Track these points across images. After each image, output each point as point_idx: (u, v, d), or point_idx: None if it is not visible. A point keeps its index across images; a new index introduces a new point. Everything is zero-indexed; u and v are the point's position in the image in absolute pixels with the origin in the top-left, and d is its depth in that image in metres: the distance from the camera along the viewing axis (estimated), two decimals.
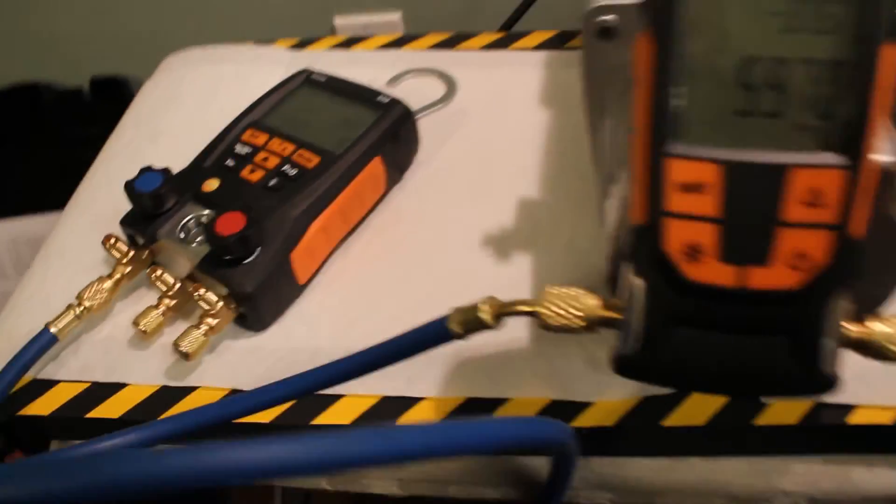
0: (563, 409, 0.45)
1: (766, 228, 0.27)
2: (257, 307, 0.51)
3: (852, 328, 0.30)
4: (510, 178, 0.61)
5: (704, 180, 0.27)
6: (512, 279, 0.54)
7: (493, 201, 0.59)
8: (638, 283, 0.29)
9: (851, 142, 0.26)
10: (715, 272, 0.28)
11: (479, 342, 0.46)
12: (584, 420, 0.45)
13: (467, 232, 0.57)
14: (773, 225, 0.27)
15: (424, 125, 0.67)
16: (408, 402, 0.48)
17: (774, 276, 0.27)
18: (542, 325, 0.32)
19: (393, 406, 0.48)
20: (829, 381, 0.29)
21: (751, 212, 0.27)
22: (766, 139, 0.27)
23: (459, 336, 0.35)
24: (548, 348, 0.48)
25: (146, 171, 0.55)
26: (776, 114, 0.27)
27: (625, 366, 0.30)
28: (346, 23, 1.12)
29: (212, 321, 0.50)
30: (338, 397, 0.48)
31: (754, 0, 0.26)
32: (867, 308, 0.40)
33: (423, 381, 0.49)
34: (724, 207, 0.27)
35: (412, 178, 0.63)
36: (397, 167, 0.61)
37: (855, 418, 0.41)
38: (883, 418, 0.41)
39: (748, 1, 0.27)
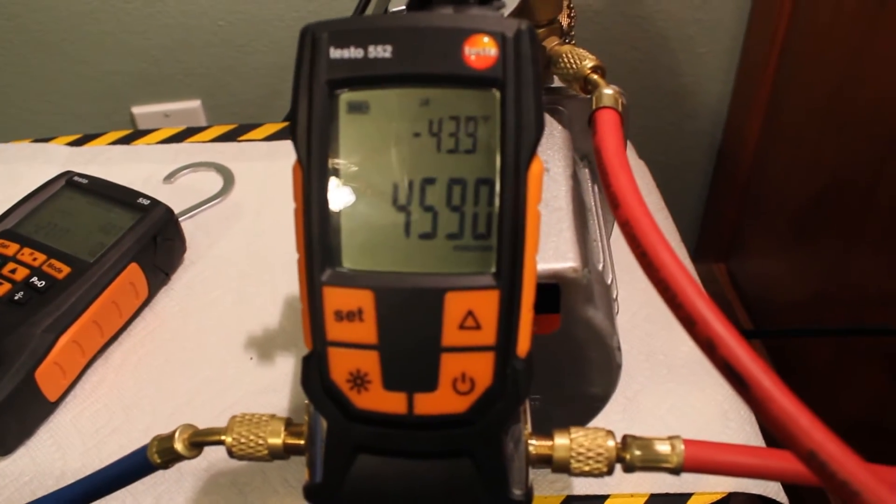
0: None
1: (427, 354, 0.27)
2: None
3: (537, 444, 0.30)
4: (279, 275, 0.61)
5: (361, 308, 0.27)
6: (273, 382, 0.53)
7: (260, 301, 0.59)
8: (315, 411, 0.29)
9: (505, 261, 0.27)
10: (382, 400, 0.27)
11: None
12: None
13: (231, 335, 0.56)
14: (433, 350, 0.27)
15: (198, 222, 0.66)
16: None
17: (441, 402, 0.27)
18: (230, 455, 0.32)
19: None
20: (518, 502, 0.29)
21: (409, 338, 0.27)
22: (423, 262, 0.27)
23: (161, 466, 0.33)
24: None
25: None
26: (430, 236, 0.28)
27: (312, 495, 0.29)
28: (144, 112, 1.10)
29: None
30: None
31: (398, 122, 0.27)
32: (588, 409, 0.41)
33: (174, 498, 0.47)
34: (382, 335, 0.27)
35: (180, 279, 0.61)
36: (160, 270, 0.59)
37: None
38: None
39: (392, 124, 0.27)
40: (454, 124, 0.27)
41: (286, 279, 0.60)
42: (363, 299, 0.27)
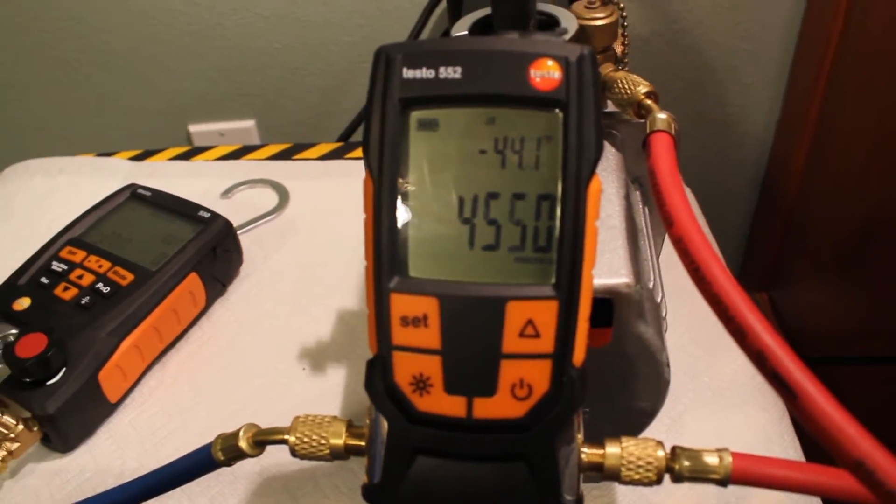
0: None
1: (487, 360, 0.28)
2: (60, 429, 0.50)
3: (589, 452, 0.32)
4: (332, 289, 0.62)
5: (426, 314, 0.29)
6: (325, 392, 0.55)
7: (313, 314, 0.60)
8: (376, 413, 0.30)
9: (564, 273, 0.28)
10: (443, 403, 0.29)
11: (286, 460, 0.46)
12: None
13: (284, 345, 0.58)
14: (494, 357, 0.28)
15: (254, 236, 0.68)
16: None
17: (499, 406, 0.29)
18: (293, 453, 0.33)
19: None
20: None
21: (471, 344, 0.28)
22: (486, 273, 0.29)
23: (224, 463, 0.35)
24: (351, 463, 0.49)
25: None
26: (493, 247, 0.29)
27: (370, 495, 0.31)
28: (200, 130, 1.13)
29: (11, 445, 0.49)
30: None
31: (465, 140, 0.29)
32: (635, 425, 0.42)
33: (227, 500, 0.49)
34: (445, 340, 0.29)
35: (236, 290, 0.63)
36: (218, 281, 0.61)
37: None
38: None
39: (459, 141, 0.29)
40: (518, 142, 0.29)
41: (338, 293, 0.62)
42: (428, 306, 0.29)
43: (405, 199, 0.29)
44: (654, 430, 0.42)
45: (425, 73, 0.29)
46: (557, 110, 0.28)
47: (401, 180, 0.29)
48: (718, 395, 0.54)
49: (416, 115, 0.29)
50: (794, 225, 1.16)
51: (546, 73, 0.28)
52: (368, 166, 0.29)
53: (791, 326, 1.20)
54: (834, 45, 0.99)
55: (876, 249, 0.95)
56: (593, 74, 0.28)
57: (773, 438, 0.52)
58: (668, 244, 0.40)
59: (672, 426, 0.52)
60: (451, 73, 0.28)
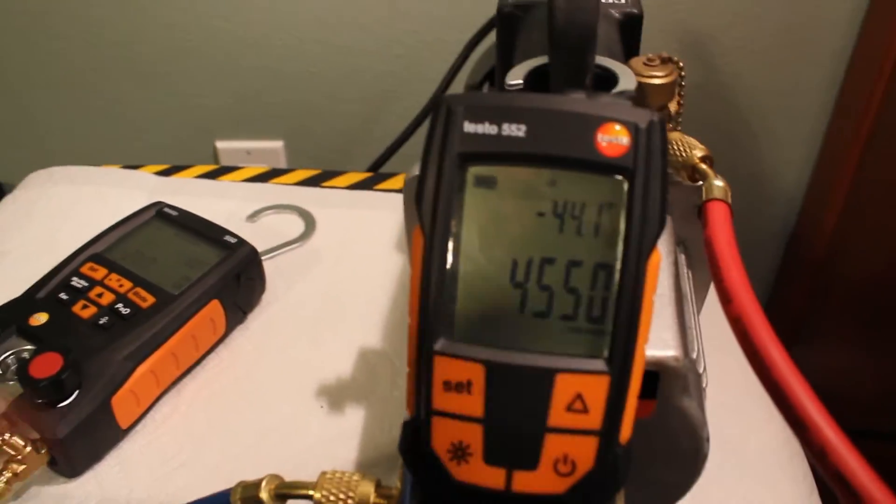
0: None
1: (531, 432, 0.27)
2: (69, 454, 0.49)
3: None
4: (354, 325, 0.61)
5: (471, 380, 0.27)
6: (342, 432, 0.53)
7: (334, 348, 0.59)
8: (408, 476, 0.29)
9: (618, 347, 0.27)
10: (481, 473, 0.27)
11: None
12: None
13: (303, 380, 0.57)
14: (538, 429, 0.27)
15: (277, 263, 0.67)
16: None
17: (540, 481, 0.27)
18: None
19: None
20: None
21: (515, 415, 0.27)
22: (535, 340, 0.27)
23: None
24: None
25: None
26: (544, 314, 0.28)
27: None
28: (227, 147, 1.13)
29: (17, 467, 0.48)
30: None
31: (523, 200, 0.27)
32: (666, 496, 0.40)
33: None
34: (488, 409, 0.27)
35: (256, 318, 0.62)
36: (239, 308, 0.60)
37: None
38: None
39: (517, 201, 0.28)
40: (579, 208, 0.28)
41: (360, 329, 0.60)
42: (474, 372, 0.27)
43: (456, 256, 0.28)
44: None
45: (487, 128, 0.27)
46: (623, 178, 0.27)
47: (453, 237, 0.28)
48: (746, 465, 0.52)
49: (474, 171, 0.28)
50: (821, 284, 1.15)
51: (614, 139, 0.27)
52: (421, 220, 0.28)
53: (813, 387, 1.17)
54: (875, 108, 0.98)
55: None
56: (662, 143, 0.27)
57: None
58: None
59: (697, 493, 0.50)
60: (515, 130, 0.27)
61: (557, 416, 0.27)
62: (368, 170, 0.82)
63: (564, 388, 0.27)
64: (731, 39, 1.03)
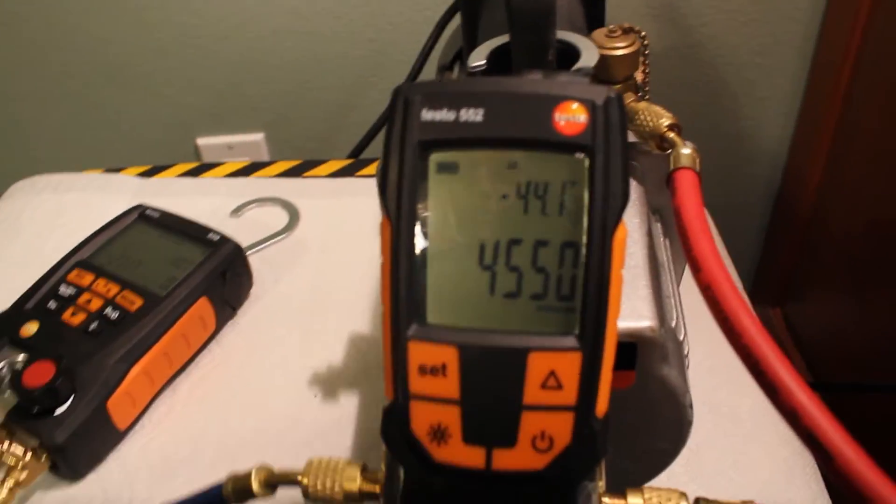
0: None
1: (507, 411, 0.27)
2: (69, 458, 0.50)
3: (610, 502, 0.31)
4: (343, 313, 0.62)
5: (445, 363, 0.28)
6: (337, 420, 0.54)
7: (325, 338, 0.59)
8: (391, 460, 0.29)
9: (588, 323, 0.27)
10: (461, 454, 0.28)
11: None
12: None
13: (296, 371, 0.57)
14: (514, 408, 0.27)
15: (264, 256, 0.68)
16: None
17: (519, 458, 0.28)
18: (305, 497, 0.32)
19: None
20: None
21: (491, 395, 0.28)
22: (507, 321, 0.28)
23: None
24: None
25: None
26: (514, 295, 0.28)
27: None
28: (208, 143, 1.13)
29: (19, 475, 0.48)
30: None
31: (486, 184, 0.28)
32: (656, 464, 0.41)
33: None
34: (464, 390, 0.28)
35: (246, 313, 0.62)
36: (228, 305, 0.60)
37: None
38: None
39: (481, 185, 0.28)
40: (542, 188, 0.28)
41: (350, 316, 0.61)
42: (447, 355, 0.28)
43: (423, 243, 0.28)
44: (672, 464, 0.42)
45: (446, 114, 0.28)
46: (583, 155, 0.27)
47: (419, 224, 0.28)
48: (738, 427, 0.53)
49: (435, 158, 0.28)
50: (810, 240, 1.15)
51: (571, 117, 0.27)
52: (386, 209, 0.28)
53: (805, 342, 1.18)
54: (851, 60, 0.98)
55: (893, 266, 0.93)
56: (621, 118, 0.27)
57: (795, 472, 0.51)
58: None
59: (691, 458, 0.51)
60: (473, 115, 0.28)
61: (532, 393, 0.28)
62: (349, 157, 0.83)
63: (538, 366, 0.28)
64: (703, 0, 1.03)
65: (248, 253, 0.63)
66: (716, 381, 0.55)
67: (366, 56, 1.05)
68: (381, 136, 0.87)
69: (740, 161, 1.18)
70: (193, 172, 0.80)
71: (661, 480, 0.39)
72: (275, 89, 1.09)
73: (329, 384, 0.56)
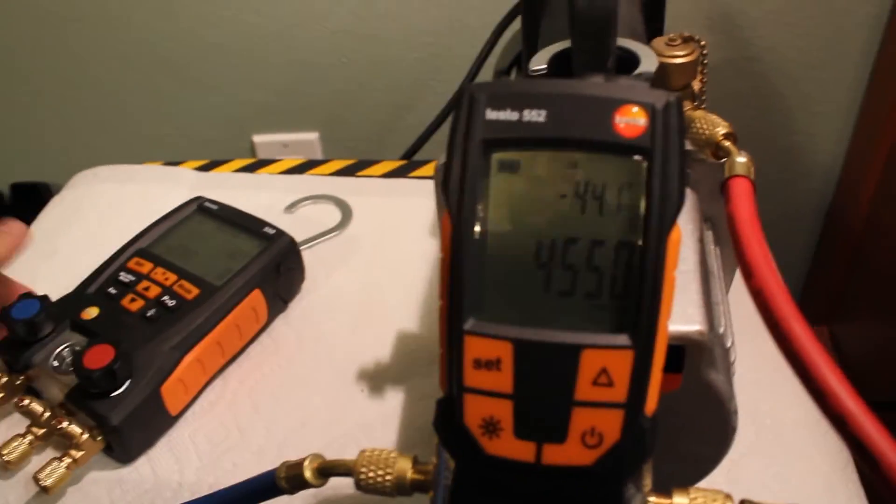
0: None
1: (559, 407, 0.28)
2: (123, 440, 0.51)
3: (656, 501, 0.31)
4: (392, 310, 0.62)
5: (500, 357, 0.28)
6: (382, 415, 0.55)
7: (374, 334, 0.60)
8: (443, 452, 0.30)
9: (641, 323, 0.28)
10: (512, 447, 0.29)
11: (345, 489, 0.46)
12: None
13: (344, 365, 0.58)
14: (566, 403, 0.28)
15: (316, 252, 0.69)
16: None
17: (568, 453, 0.28)
18: (357, 486, 0.33)
19: None
20: None
21: (543, 390, 0.28)
22: (561, 318, 0.28)
23: (287, 491, 0.35)
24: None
25: (24, 297, 0.55)
26: (569, 293, 0.29)
27: None
28: (264, 140, 1.15)
29: (76, 453, 0.50)
30: None
31: (546, 183, 0.28)
32: (699, 469, 0.41)
33: None
34: (517, 385, 0.28)
35: (297, 306, 0.64)
36: (280, 298, 0.62)
37: None
38: None
39: (540, 184, 0.28)
40: (600, 188, 0.28)
41: (399, 314, 0.62)
42: (502, 350, 0.29)
43: (483, 239, 0.29)
44: (713, 473, 0.42)
45: (509, 114, 0.28)
46: (641, 158, 0.28)
47: (479, 221, 0.29)
48: (781, 439, 0.53)
49: (497, 157, 0.29)
50: (861, 257, 1.14)
51: (631, 120, 0.28)
52: (448, 206, 0.29)
53: (852, 361, 1.17)
54: None
55: None
56: (679, 122, 0.28)
57: (838, 487, 0.50)
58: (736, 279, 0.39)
59: (732, 468, 0.51)
60: (535, 115, 0.28)
61: (584, 390, 0.28)
62: (402, 158, 0.84)
63: (590, 363, 0.28)
64: (761, 12, 1.02)
65: (301, 248, 0.64)
66: (760, 393, 0.55)
67: (423, 59, 1.06)
68: (433, 139, 0.88)
69: (793, 175, 1.17)
70: (249, 168, 0.82)
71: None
72: (331, 89, 1.10)
73: (376, 379, 0.57)
